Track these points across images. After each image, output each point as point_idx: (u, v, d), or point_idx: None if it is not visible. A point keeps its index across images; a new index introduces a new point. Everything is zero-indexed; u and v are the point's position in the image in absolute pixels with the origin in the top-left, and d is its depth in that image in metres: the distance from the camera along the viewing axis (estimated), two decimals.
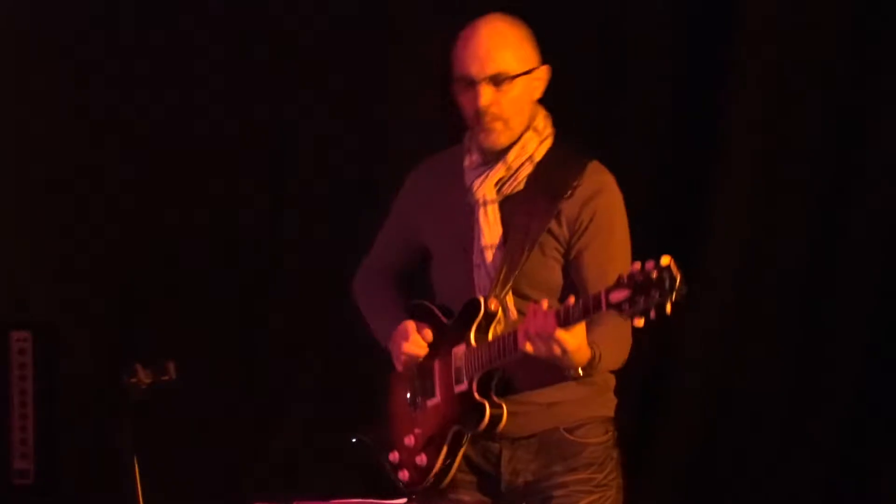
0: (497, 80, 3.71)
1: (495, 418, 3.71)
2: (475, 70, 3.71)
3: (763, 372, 5.24)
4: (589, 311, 3.45)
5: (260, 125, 5.82)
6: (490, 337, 3.72)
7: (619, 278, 3.37)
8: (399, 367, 3.89)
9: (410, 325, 3.86)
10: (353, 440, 3.99)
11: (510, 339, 3.63)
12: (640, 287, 3.32)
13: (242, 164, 5.83)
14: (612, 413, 3.86)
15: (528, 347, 3.54)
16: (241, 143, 5.83)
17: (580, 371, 3.60)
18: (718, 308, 5.26)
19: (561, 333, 3.50)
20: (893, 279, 5.11)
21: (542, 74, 3.79)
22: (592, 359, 3.59)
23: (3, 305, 5.71)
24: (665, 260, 3.30)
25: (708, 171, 5.25)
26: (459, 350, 3.77)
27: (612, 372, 3.84)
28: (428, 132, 5.39)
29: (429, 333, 3.84)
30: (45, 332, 5.76)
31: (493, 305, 3.73)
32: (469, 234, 3.82)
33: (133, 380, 4.03)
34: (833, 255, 5.18)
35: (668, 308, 3.29)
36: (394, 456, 3.89)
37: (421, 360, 3.86)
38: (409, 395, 3.91)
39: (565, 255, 3.76)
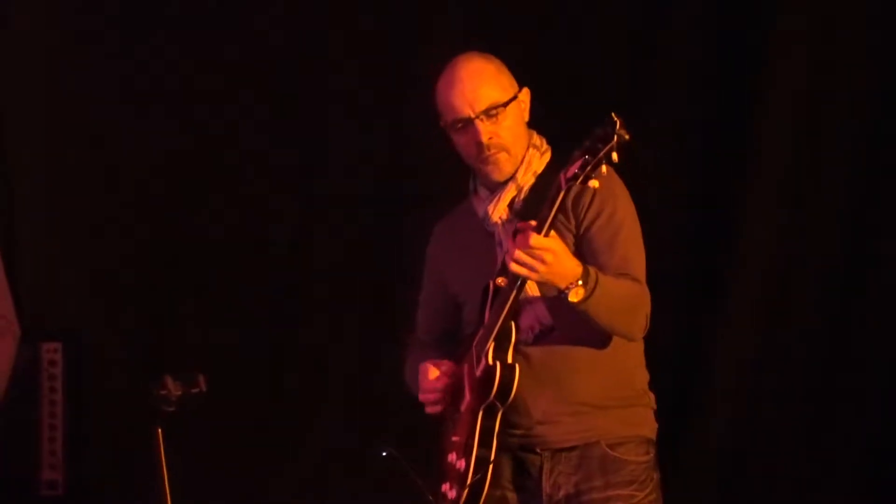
0: (490, 113, 3.81)
1: (506, 377, 3.72)
2: (467, 110, 3.81)
3: (793, 380, 5.22)
4: (553, 199, 3.54)
5: (290, 133, 5.82)
6: None
7: (572, 155, 3.51)
8: (428, 409, 3.91)
9: (428, 365, 3.91)
10: (384, 454, 3.97)
11: (500, 278, 3.69)
12: (588, 150, 3.48)
13: (273, 172, 5.83)
14: (653, 435, 3.89)
15: (516, 268, 3.57)
16: (270, 152, 5.83)
17: (578, 285, 3.59)
18: (749, 317, 5.25)
19: (539, 239, 3.54)
20: None
21: (525, 97, 3.90)
22: (586, 273, 3.60)
23: (33, 317, 5.72)
24: (607, 117, 3.47)
25: (740, 174, 5.24)
26: (478, 336, 3.80)
27: (650, 390, 3.90)
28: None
29: (446, 368, 3.88)
30: (75, 343, 5.78)
31: (500, 282, 3.75)
32: (491, 259, 3.85)
33: (163, 392, 4.02)
34: (866, 259, 5.15)
35: (615, 156, 3.45)
36: (445, 486, 3.87)
37: (444, 392, 3.87)
38: (448, 415, 3.91)
39: (576, 243, 3.80)
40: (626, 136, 3.44)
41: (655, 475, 3.87)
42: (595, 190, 3.70)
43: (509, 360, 3.75)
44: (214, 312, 5.84)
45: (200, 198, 5.86)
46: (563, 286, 3.60)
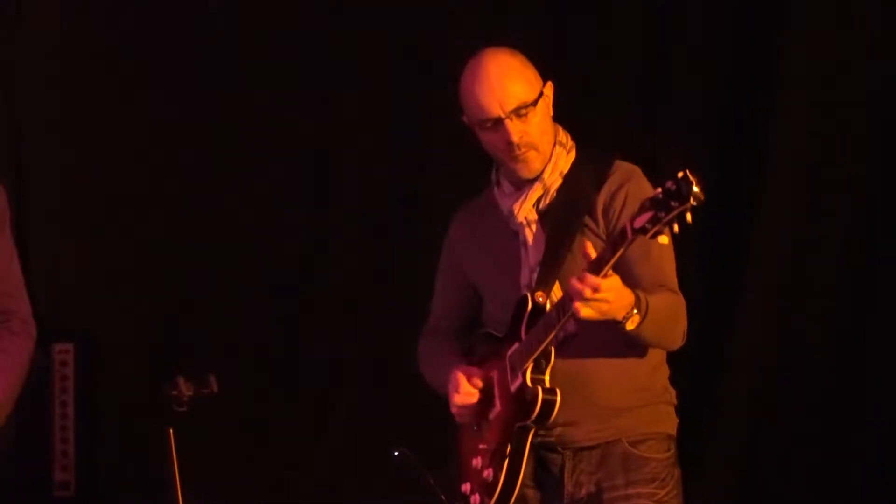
0: (520, 112, 3.75)
1: (548, 403, 3.69)
2: (497, 109, 3.75)
3: (809, 378, 5.21)
4: (617, 245, 3.47)
5: (302, 136, 5.83)
6: None
7: (642, 204, 3.39)
8: (458, 419, 3.90)
9: (459, 375, 3.86)
10: (396, 453, 3.96)
11: (554, 311, 3.62)
12: (660, 204, 3.35)
13: (285, 170, 5.83)
14: (674, 431, 3.88)
15: (585, 313, 3.50)
16: (282, 153, 5.84)
17: (633, 314, 3.56)
18: (762, 315, 5.25)
19: (601, 282, 3.48)
20: None
21: (550, 91, 3.84)
22: (638, 299, 3.57)
23: (45, 318, 5.73)
24: (681, 173, 3.32)
25: (755, 171, 5.24)
26: (512, 349, 3.77)
27: (671, 386, 3.88)
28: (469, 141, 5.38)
29: (478, 381, 3.85)
30: (87, 344, 5.78)
31: (540, 298, 3.72)
32: (514, 257, 3.84)
33: (175, 392, 4.02)
34: (882, 257, 5.14)
35: (689, 217, 3.32)
36: (465, 487, 3.86)
37: (475, 406, 3.85)
38: (473, 419, 3.89)
39: None
40: (702, 198, 3.31)
41: (676, 472, 3.85)
42: (627, 195, 3.71)
43: (547, 384, 3.71)
44: (227, 313, 5.84)
45: (213, 198, 5.87)
46: (621, 317, 3.58)
